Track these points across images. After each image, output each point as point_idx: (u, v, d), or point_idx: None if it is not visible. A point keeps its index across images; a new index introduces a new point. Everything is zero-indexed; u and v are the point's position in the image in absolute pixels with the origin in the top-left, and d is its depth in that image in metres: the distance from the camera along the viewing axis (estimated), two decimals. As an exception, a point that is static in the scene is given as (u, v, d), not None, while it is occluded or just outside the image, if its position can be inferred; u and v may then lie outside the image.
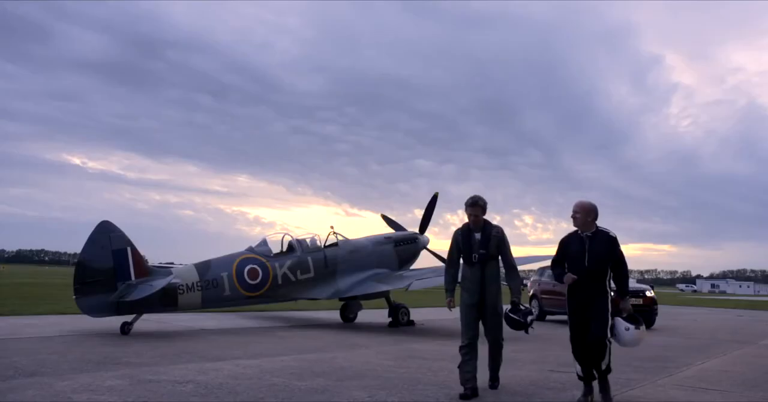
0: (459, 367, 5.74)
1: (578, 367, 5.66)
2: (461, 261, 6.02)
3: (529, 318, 5.90)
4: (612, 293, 5.57)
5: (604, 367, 5.48)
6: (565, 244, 5.77)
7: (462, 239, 5.93)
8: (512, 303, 5.90)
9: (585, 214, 5.68)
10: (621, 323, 5.47)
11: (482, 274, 5.82)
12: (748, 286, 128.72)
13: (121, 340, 9.36)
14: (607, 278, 5.59)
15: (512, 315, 5.86)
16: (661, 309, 18.10)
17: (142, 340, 9.44)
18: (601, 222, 5.69)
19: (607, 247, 5.56)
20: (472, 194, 5.97)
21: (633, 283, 19.00)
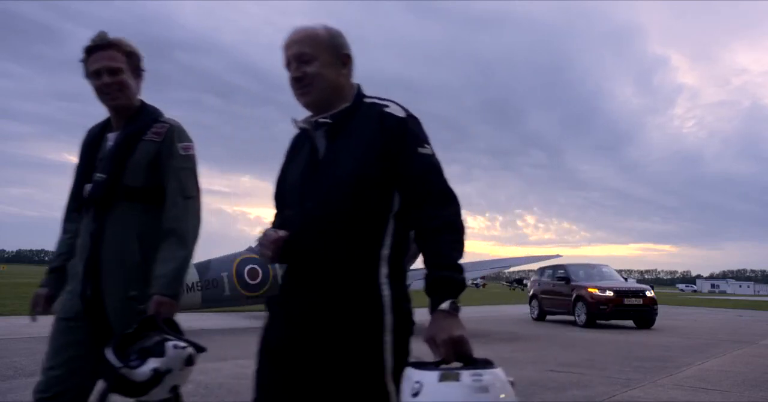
0: None
1: None
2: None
3: (152, 365, 1.88)
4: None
5: None
6: (285, 154, 1.90)
7: (83, 149, 2.36)
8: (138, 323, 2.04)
9: (313, 47, 1.66)
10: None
11: (98, 232, 2.20)
12: (748, 286, 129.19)
13: (121, 340, 9.35)
14: (384, 246, 1.58)
15: (108, 356, 1.88)
16: (661, 309, 18.09)
17: (142, 340, 9.43)
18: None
19: (374, 145, 1.57)
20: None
21: (633, 283, 18.96)
